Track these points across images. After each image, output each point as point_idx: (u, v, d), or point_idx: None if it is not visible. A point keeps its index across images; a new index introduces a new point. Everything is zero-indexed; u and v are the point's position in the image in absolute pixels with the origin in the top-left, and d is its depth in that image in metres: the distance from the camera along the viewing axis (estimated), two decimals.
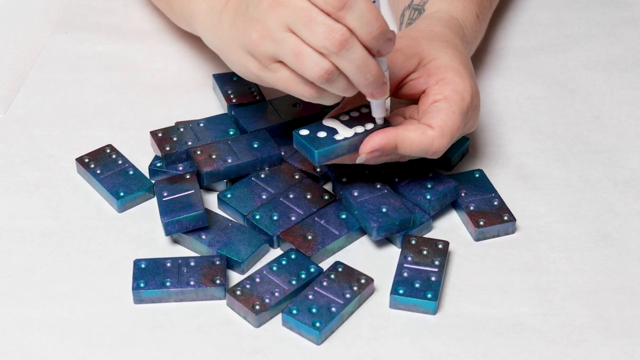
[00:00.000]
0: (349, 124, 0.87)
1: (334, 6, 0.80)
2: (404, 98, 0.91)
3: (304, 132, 0.87)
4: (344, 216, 0.90)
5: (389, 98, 0.88)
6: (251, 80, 0.88)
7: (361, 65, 0.81)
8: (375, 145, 0.86)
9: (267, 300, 0.83)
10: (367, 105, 0.88)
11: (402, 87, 0.90)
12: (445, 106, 0.87)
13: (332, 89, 0.83)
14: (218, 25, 0.90)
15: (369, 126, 0.87)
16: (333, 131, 0.87)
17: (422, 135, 0.86)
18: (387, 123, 0.88)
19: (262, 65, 0.85)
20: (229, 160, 0.93)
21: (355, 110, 0.89)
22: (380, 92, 0.84)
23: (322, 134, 0.87)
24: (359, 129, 0.87)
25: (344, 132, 0.87)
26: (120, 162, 0.95)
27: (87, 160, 0.95)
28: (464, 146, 0.97)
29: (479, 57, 1.10)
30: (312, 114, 0.98)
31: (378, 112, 0.87)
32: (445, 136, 0.87)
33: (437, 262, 0.86)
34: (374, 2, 0.82)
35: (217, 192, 0.94)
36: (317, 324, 0.81)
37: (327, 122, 0.88)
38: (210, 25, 0.92)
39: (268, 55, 0.84)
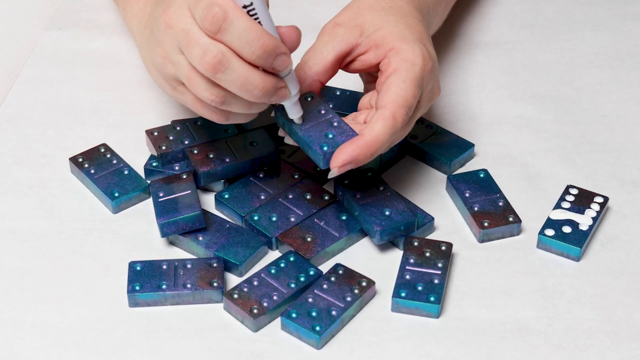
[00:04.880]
0: (575, 209, 0.90)
1: (209, 30, 0.77)
2: (359, 72, 0.89)
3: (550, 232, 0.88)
4: (344, 217, 0.89)
5: (298, 96, 0.84)
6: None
7: (243, 85, 0.78)
8: (347, 158, 0.82)
9: (265, 304, 0.82)
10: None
11: (352, 62, 0.88)
12: (394, 79, 0.84)
13: (233, 109, 0.81)
14: (141, 42, 0.90)
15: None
16: (573, 223, 0.89)
17: (384, 121, 0.83)
18: (353, 133, 0.84)
19: (171, 86, 0.84)
20: (227, 160, 0.92)
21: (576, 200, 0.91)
22: (278, 99, 0.81)
23: (566, 229, 0.88)
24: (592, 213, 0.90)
25: (584, 221, 0.89)
26: (115, 161, 0.94)
27: (81, 160, 0.94)
28: (466, 152, 0.95)
29: (484, 53, 1.10)
30: None
31: (292, 114, 0.84)
32: (402, 107, 0.83)
33: (440, 265, 0.85)
34: (256, 19, 0.78)
35: (215, 193, 0.93)
36: (317, 328, 0.80)
37: (555, 216, 0.90)
38: (138, 40, 0.92)
39: (172, 78, 0.83)
